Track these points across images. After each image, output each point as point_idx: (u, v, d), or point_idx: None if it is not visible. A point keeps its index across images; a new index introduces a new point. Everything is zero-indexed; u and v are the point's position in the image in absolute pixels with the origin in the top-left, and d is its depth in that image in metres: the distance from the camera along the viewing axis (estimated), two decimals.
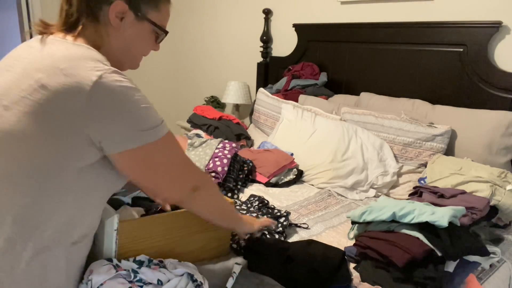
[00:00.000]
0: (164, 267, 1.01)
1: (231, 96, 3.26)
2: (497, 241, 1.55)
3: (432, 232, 1.24)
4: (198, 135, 2.43)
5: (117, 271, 0.92)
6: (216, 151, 2.04)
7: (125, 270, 0.94)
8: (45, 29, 0.89)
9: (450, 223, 1.26)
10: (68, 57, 0.78)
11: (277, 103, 2.64)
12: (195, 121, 2.79)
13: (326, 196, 1.94)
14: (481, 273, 1.35)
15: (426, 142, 1.98)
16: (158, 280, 0.94)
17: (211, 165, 1.93)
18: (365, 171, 2.03)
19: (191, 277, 0.99)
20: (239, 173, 1.99)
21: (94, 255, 1.00)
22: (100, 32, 0.88)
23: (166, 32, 0.98)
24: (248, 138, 2.69)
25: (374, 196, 1.97)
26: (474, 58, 2.06)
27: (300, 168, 2.14)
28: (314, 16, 2.83)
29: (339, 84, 2.70)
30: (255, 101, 2.87)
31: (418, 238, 1.21)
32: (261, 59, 3.22)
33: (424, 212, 1.27)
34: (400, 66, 2.36)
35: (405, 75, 2.35)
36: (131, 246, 1.06)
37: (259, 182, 2.05)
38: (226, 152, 2.02)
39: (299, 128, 2.33)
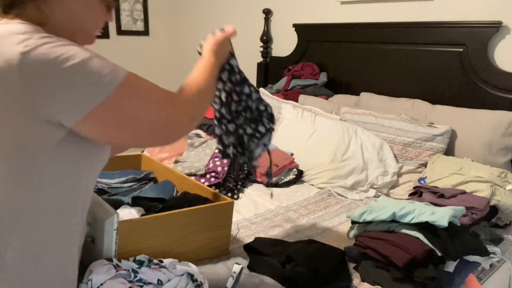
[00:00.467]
0: (164, 267, 1.01)
1: None
2: (497, 241, 1.55)
3: (432, 232, 1.24)
4: (198, 135, 2.42)
5: (117, 271, 0.92)
6: (216, 151, 2.04)
7: (125, 270, 0.94)
8: None
9: (450, 223, 1.26)
10: None
11: (277, 103, 2.64)
12: None
13: (326, 196, 1.94)
14: (481, 273, 1.35)
15: (426, 142, 1.98)
16: (158, 280, 0.94)
17: (211, 165, 1.93)
18: (365, 171, 2.03)
19: (191, 277, 0.99)
20: (239, 173, 1.99)
21: (94, 255, 1.00)
22: (42, 9, 0.80)
23: None
24: None
25: (374, 196, 1.97)
26: (474, 58, 2.06)
27: (300, 168, 2.14)
28: (314, 16, 2.83)
29: (339, 84, 2.70)
30: None
31: (418, 238, 1.21)
32: (261, 59, 3.22)
33: (424, 212, 1.27)
34: (400, 66, 2.36)
35: (405, 75, 2.35)
36: (131, 246, 1.06)
37: (259, 182, 2.05)
38: None
39: (299, 128, 2.33)
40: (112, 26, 3.63)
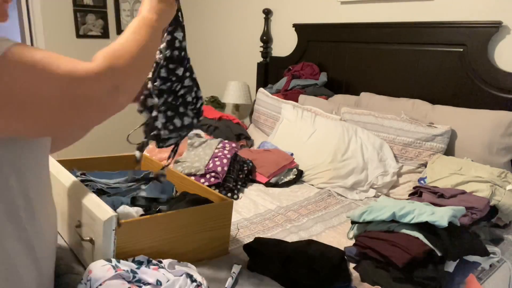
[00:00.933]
0: (163, 267, 1.01)
1: (231, 96, 3.26)
2: (497, 241, 1.55)
3: (432, 232, 1.23)
4: (198, 135, 2.42)
5: (116, 271, 0.92)
6: (216, 151, 2.04)
7: (124, 270, 0.94)
8: None
9: (450, 223, 1.25)
10: None
11: (277, 103, 2.64)
12: None
13: (326, 196, 1.94)
14: (481, 273, 1.35)
15: (426, 142, 1.98)
16: (157, 280, 0.93)
17: (211, 165, 1.93)
18: (365, 171, 2.03)
19: (190, 277, 0.99)
20: (239, 173, 1.99)
21: (93, 255, 1.00)
22: None
23: None
24: (248, 138, 2.69)
25: (374, 196, 1.97)
26: (474, 58, 2.06)
27: (300, 168, 2.14)
28: (314, 16, 2.82)
29: (339, 84, 2.70)
30: (255, 101, 2.87)
31: (418, 238, 1.21)
32: (261, 59, 3.22)
33: (424, 212, 1.27)
34: (400, 66, 2.36)
35: (405, 75, 2.35)
36: (130, 246, 1.05)
37: (259, 182, 2.05)
38: (226, 152, 2.02)
39: (299, 128, 2.32)
40: (112, 26, 3.64)
